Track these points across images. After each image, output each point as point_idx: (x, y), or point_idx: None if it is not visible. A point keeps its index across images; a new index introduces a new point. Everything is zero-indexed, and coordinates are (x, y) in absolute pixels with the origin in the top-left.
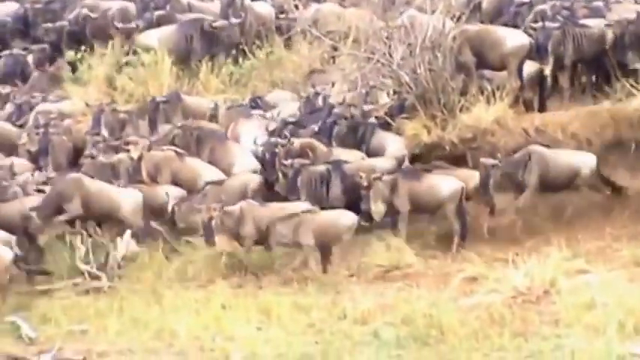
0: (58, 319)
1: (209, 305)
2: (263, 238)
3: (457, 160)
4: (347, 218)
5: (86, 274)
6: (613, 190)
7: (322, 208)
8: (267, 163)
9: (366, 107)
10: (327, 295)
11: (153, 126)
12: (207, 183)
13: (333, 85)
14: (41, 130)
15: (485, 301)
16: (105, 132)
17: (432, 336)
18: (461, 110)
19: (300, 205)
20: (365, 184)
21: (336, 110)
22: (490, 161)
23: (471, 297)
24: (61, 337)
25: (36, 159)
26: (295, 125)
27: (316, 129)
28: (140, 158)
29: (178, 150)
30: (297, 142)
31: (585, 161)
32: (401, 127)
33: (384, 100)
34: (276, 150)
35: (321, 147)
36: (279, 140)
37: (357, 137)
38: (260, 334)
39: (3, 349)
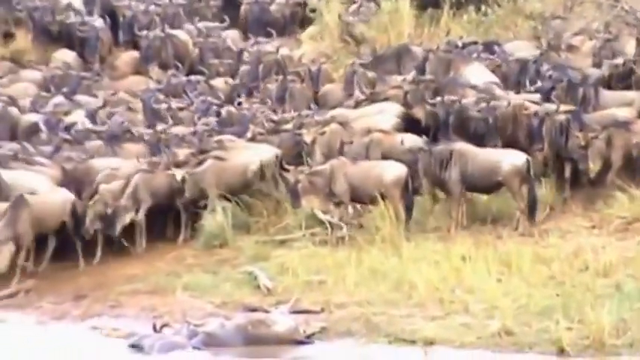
0: (296, 270)
1: (449, 256)
2: (355, 195)
3: None
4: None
5: (327, 224)
6: None
7: (559, 158)
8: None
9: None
10: (568, 247)
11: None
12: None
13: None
14: (280, 77)
15: None
16: (358, 92)
17: None
18: None
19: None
20: (582, 143)
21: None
22: None
23: None
24: (299, 288)
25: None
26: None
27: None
28: (314, 142)
29: None
30: (512, 103)
31: None
32: None
33: (631, 49)
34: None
35: (533, 107)
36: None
37: (577, 98)
38: (500, 285)
39: (240, 300)
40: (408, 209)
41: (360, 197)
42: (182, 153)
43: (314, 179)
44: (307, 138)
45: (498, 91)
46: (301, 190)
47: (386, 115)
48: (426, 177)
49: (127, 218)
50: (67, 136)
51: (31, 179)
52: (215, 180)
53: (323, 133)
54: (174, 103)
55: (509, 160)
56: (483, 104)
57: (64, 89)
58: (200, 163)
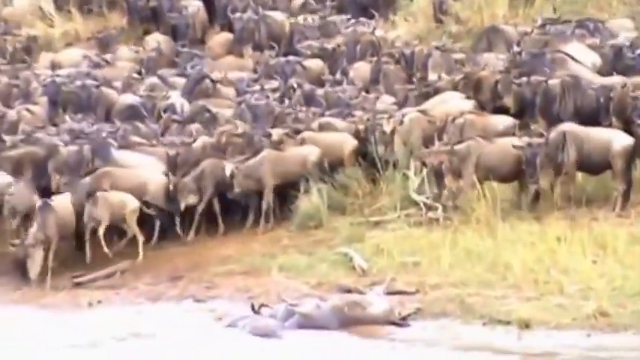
0: (391, 251)
1: (544, 238)
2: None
3: None
4: None
5: (421, 205)
6: None
7: None
8: None
9: None
10: None
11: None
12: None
13: None
14: (374, 58)
15: None
16: (433, 75)
17: None
18: None
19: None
20: None
21: None
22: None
23: None
24: (394, 269)
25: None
26: None
27: None
28: (394, 131)
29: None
30: (630, 82)
31: None
32: None
33: None
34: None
35: None
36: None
37: None
38: (595, 267)
39: (336, 281)
40: (537, 192)
41: (494, 177)
42: (276, 133)
43: (452, 159)
44: (387, 128)
45: (573, 65)
46: (445, 170)
47: (457, 100)
48: (544, 165)
49: (189, 199)
50: (176, 117)
51: (142, 160)
52: (271, 170)
53: (402, 123)
54: (267, 85)
55: (619, 140)
56: (599, 83)
57: (159, 71)
58: (254, 154)
